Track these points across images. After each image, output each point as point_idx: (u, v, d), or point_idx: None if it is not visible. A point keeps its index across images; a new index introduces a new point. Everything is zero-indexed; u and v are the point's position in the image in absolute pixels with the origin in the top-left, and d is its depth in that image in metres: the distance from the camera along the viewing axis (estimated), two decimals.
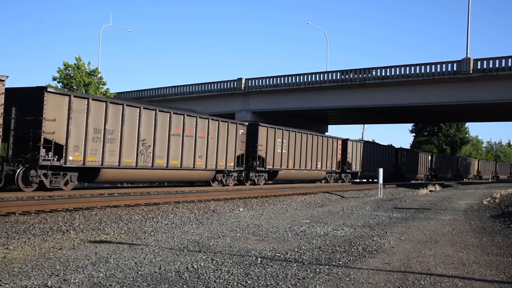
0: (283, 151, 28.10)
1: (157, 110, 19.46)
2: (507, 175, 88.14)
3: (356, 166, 38.23)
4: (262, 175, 27.13)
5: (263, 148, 26.25)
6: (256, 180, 26.41)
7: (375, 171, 41.45)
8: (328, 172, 34.48)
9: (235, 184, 24.94)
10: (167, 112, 19.97)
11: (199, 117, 21.67)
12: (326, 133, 47.11)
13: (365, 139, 63.27)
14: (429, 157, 55.55)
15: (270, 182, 29.15)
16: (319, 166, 32.66)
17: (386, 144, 47.77)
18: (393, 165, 44.98)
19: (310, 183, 33.35)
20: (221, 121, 23.22)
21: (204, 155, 21.91)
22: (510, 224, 12.19)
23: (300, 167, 30.14)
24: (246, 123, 25.50)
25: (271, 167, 27.13)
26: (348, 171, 37.19)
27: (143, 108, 18.93)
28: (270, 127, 27.15)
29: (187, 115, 20.95)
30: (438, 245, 8.94)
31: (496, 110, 42.23)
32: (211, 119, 22.47)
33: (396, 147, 49.82)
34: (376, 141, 44.18)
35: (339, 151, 35.80)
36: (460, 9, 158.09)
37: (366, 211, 15.48)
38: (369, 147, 41.39)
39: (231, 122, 23.93)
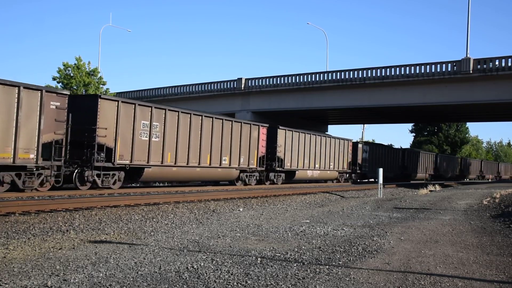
0: (153, 139, 19.68)
1: None
2: (493, 175, 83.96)
3: (291, 163, 29.78)
4: (114, 174, 18.48)
5: (111, 133, 17.88)
6: (99, 181, 17.78)
7: (323, 170, 34.03)
8: (244, 170, 25.87)
9: (52, 188, 16.37)
10: None
11: None
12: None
13: (365, 139, 63.00)
14: (400, 153, 49.08)
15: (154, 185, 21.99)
16: (225, 162, 23.98)
17: (344, 137, 37.89)
18: (350, 163, 37.91)
19: (216, 185, 26.04)
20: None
21: None
22: (510, 224, 12.19)
23: (188, 163, 21.58)
24: (67, 93, 16.56)
25: (128, 162, 18.65)
26: (278, 169, 28.80)
27: None
28: (123, 102, 18.62)
29: None
30: (438, 245, 8.94)
31: (496, 110, 42.25)
32: None
33: (354, 141, 40.09)
34: (330, 134, 34.71)
35: (263, 142, 27.01)
36: (460, 9, 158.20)
37: (366, 211, 15.49)
38: (314, 139, 32.36)
39: (25, 88, 14.76)
